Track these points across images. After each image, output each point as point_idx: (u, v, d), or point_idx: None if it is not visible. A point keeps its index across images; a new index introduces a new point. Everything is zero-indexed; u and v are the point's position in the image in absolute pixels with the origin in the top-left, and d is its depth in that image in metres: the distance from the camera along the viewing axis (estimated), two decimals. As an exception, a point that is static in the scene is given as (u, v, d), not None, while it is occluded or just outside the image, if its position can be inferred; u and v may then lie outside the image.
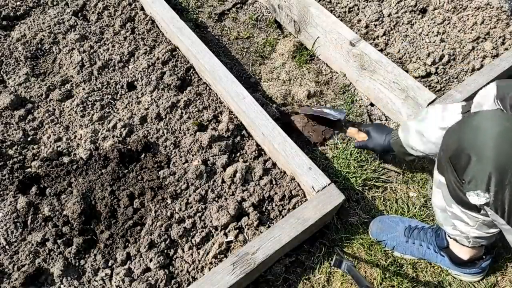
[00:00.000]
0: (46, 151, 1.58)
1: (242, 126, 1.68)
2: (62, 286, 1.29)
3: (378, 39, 1.97)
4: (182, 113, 1.70)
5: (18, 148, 1.58)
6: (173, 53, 1.92)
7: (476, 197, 0.93)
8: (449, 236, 1.32)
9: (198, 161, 1.54)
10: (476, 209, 1.03)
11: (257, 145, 1.62)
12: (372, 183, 1.62)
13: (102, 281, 1.30)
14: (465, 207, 1.07)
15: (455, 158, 0.98)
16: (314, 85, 1.92)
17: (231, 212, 1.40)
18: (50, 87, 1.77)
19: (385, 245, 1.45)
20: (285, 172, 1.55)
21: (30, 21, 2.02)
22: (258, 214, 1.41)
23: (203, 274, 1.30)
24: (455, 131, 1.01)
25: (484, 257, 1.35)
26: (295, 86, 1.93)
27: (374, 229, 1.47)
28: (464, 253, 1.32)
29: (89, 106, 1.72)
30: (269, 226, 1.40)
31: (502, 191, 0.88)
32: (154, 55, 1.91)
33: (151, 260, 1.32)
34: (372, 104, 1.86)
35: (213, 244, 1.37)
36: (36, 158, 1.56)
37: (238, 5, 2.30)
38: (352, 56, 1.81)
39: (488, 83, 1.60)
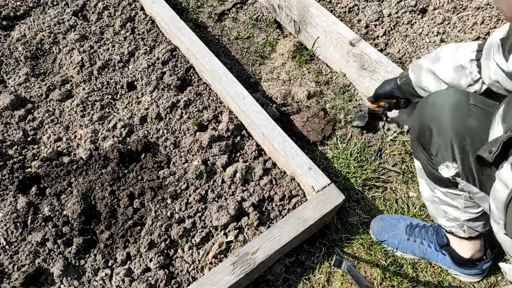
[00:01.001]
0: (46, 151, 1.58)
1: (242, 126, 1.68)
2: (62, 286, 1.29)
3: (378, 39, 1.98)
4: (182, 113, 1.70)
5: (18, 148, 1.59)
6: (173, 53, 1.92)
7: (446, 169, 0.99)
8: (446, 231, 1.33)
9: (198, 161, 1.54)
10: (453, 184, 1.08)
11: (257, 145, 1.62)
12: (372, 183, 1.62)
13: (102, 281, 1.30)
14: (443, 185, 1.12)
15: (420, 135, 1.06)
16: (314, 85, 1.92)
17: (231, 212, 1.40)
18: (50, 87, 1.77)
19: (387, 244, 1.45)
20: (285, 172, 1.55)
21: (30, 21, 2.02)
22: (258, 214, 1.41)
23: (203, 274, 1.31)
24: (417, 111, 1.09)
25: (484, 258, 1.35)
26: (295, 86, 1.93)
27: (375, 227, 1.47)
28: (464, 250, 1.32)
29: (89, 106, 1.72)
30: (269, 226, 1.40)
31: (467, 157, 0.95)
32: (154, 55, 1.91)
33: (151, 260, 1.32)
34: (372, 104, 1.86)
35: (213, 244, 1.37)
36: (36, 158, 1.56)
37: (238, 5, 2.30)
38: (352, 56, 1.81)
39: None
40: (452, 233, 1.30)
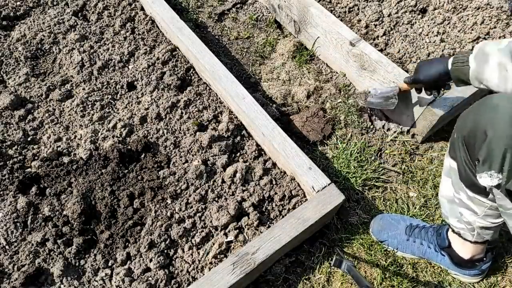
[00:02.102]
0: (46, 151, 1.58)
1: (242, 126, 1.68)
2: (62, 286, 1.29)
3: (378, 39, 1.98)
4: (182, 113, 1.70)
5: (18, 148, 1.58)
6: (173, 53, 1.92)
7: (488, 179, 0.92)
8: (453, 231, 1.32)
9: (198, 161, 1.54)
10: (485, 193, 1.03)
11: (257, 145, 1.62)
12: (372, 183, 1.62)
13: (102, 281, 1.30)
14: (474, 191, 1.07)
15: (470, 137, 0.97)
16: (313, 81, 1.92)
17: (231, 212, 1.40)
18: (50, 87, 1.77)
19: (388, 244, 1.45)
20: (285, 172, 1.55)
21: (30, 21, 2.02)
22: (258, 214, 1.41)
23: (203, 274, 1.31)
24: (472, 111, 0.98)
25: (484, 258, 1.35)
26: (295, 86, 1.93)
27: (375, 227, 1.47)
28: (465, 251, 1.32)
29: (89, 106, 1.72)
30: (269, 226, 1.40)
31: None
32: (154, 55, 1.91)
33: (151, 260, 1.32)
34: (372, 104, 1.86)
35: (213, 244, 1.37)
36: (36, 158, 1.56)
37: (238, 5, 2.30)
38: (352, 56, 1.81)
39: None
40: (458, 234, 1.29)
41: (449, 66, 1.20)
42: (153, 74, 1.83)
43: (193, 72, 1.88)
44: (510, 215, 0.96)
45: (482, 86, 1.11)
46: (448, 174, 1.16)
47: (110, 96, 1.76)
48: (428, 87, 1.39)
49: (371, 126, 1.79)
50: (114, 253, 1.35)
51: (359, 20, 2.05)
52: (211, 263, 1.34)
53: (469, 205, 1.13)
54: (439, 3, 2.01)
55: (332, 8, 2.11)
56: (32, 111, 1.70)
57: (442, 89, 1.38)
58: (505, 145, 0.87)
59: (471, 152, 0.99)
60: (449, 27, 1.96)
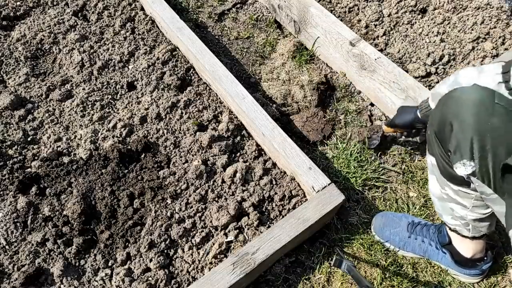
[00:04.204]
0: (46, 151, 1.58)
1: (242, 126, 1.68)
2: (62, 286, 1.29)
3: (378, 39, 1.97)
4: (182, 113, 1.70)
5: (18, 148, 1.59)
6: (173, 53, 1.92)
7: (462, 167, 0.97)
8: (449, 229, 1.32)
9: (198, 161, 1.54)
10: (466, 183, 1.07)
11: (257, 145, 1.62)
12: (372, 183, 1.62)
13: (102, 281, 1.30)
14: (456, 183, 1.10)
15: (440, 131, 1.03)
16: (312, 79, 1.92)
17: (231, 212, 1.40)
18: (50, 87, 1.77)
19: (388, 241, 1.45)
20: (285, 172, 1.55)
21: (30, 21, 2.02)
22: (258, 214, 1.41)
23: (203, 274, 1.31)
24: (439, 105, 1.05)
25: (485, 258, 1.35)
26: (295, 86, 1.93)
27: (376, 223, 1.47)
28: (466, 249, 1.32)
29: (89, 106, 1.72)
30: (269, 226, 1.40)
31: (485, 156, 0.92)
32: (154, 55, 1.91)
33: (151, 260, 1.32)
34: (372, 104, 1.86)
35: (213, 244, 1.37)
36: (36, 158, 1.56)
37: (238, 5, 2.30)
38: (352, 56, 1.81)
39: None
40: (455, 231, 1.30)
41: (419, 115, 1.36)
42: (153, 74, 1.83)
43: (193, 72, 1.88)
44: (492, 200, 0.99)
45: None
46: (432, 172, 1.19)
47: (110, 96, 1.76)
48: (407, 132, 1.53)
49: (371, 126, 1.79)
50: (114, 253, 1.35)
51: (359, 20, 2.04)
52: (211, 263, 1.34)
53: (456, 199, 1.15)
54: (439, 3, 2.01)
55: (332, 8, 2.11)
56: (32, 111, 1.70)
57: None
58: (470, 134, 0.92)
59: (444, 145, 1.04)
60: (449, 27, 1.96)
